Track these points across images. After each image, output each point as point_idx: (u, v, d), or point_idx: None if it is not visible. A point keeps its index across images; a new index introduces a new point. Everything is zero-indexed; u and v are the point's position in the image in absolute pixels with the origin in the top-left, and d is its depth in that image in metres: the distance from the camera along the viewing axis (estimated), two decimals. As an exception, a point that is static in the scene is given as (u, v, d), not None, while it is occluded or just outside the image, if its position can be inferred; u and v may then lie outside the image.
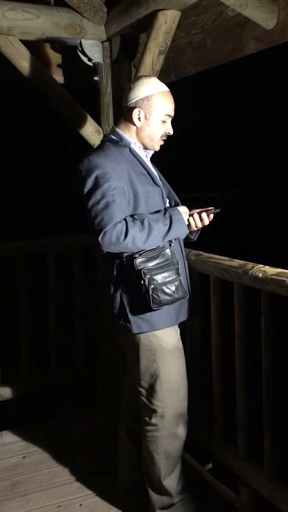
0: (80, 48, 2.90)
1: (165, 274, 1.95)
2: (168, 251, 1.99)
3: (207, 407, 2.54)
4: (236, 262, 2.24)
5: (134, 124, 2.06)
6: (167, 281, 1.95)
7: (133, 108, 2.04)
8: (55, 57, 3.20)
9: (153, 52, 2.55)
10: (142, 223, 1.92)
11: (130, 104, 2.05)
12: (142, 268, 1.91)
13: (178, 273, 2.00)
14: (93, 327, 3.29)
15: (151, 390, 2.07)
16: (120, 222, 1.89)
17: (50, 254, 3.19)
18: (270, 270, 2.03)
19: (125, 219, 1.91)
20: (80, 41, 2.88)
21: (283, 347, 2.14)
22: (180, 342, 2.14)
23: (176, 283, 1.98)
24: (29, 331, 3.16)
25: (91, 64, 2.94)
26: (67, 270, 3.29)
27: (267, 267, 2.08)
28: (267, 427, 2.12)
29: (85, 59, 2.93)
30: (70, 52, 3.02)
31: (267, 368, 2.11)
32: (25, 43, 2.79)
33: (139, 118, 2.05)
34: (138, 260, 1.92)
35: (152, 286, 1.91)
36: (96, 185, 1.92)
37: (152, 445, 2.09)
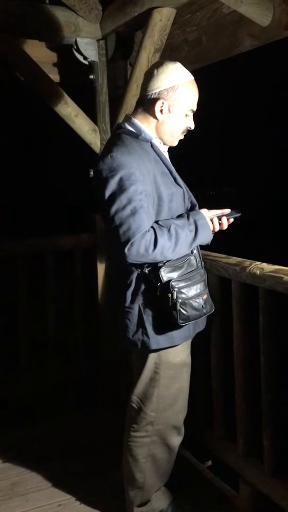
0: (75, 47, 2.89)
1: (194, 286, 1.79)
2: (193, 259, 1.85)
3: (207, 404, 2.54)
4: (234, 260, 2.25)
5: (155, 117, 1.84)
6: (196, 295, 1.80)
7: (156, 99, 1.82)
8: (50, 56, 3.19)
9: (149, 50, 2.55)
10: (169, 230, 1.74)
11: (153, 95, 1.82)
12: (169, 280, 1.75)
13: (206, 285, 1.87)
14: (93, 327, 3.29)
15: (146, 399, 1.99)
16: (148, 231, 1.70)
17: (50, 253, 3.19)
18: (268, 267, 2.03)
19: (152, 227, 1.73)
20: (75, 39, 2.87)
21: (281, 343, 2.15)
22: (189, 357, 2.05)
23: (205, 296, 1.84)
24: (28, 330, 3.16)
25: (87, 63, 2.94)
26: (67, 270, 3.29)
27: (264, 264, 2.08)
28: (267, 423, 2.13)
29: (80, 58, 2.93)
30: (65, 51, 3.02)
31: (266, 364, 2.11)
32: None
33: (161, 111, 1.83)
34: (163, 271, 1.75)
35: (180, 300, 1.75)
36: (121, 188, 1.70)
37: (139, 449, 2.01)
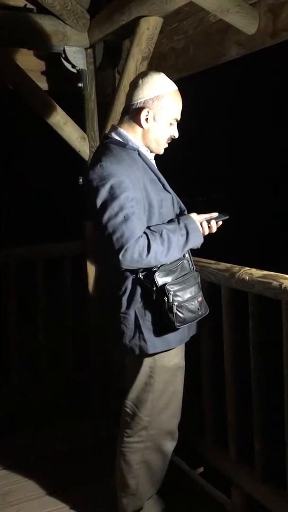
0: (63, 55, 2.91)
1: (189, 289, 1.84)
2: (186, 263, 1.89)
3: (198, 411, 2.54)
4: (223, 265, 2.26)
5: (141, 126, 1.88)
6: (191, 297, 1.84)
7: (142, 108, 1.86)
8: (39, 65, 3.20)
9: (137, 58, 2.57)
10: (161, 235, 1.78)
11: (138, 104, 1.87)
12: (165, 284, 1.79)
13: (200, 288, 1.91)
14: (84, 334, 3.29)
15: (140, 403, 1.99)
16: (141, 236, 1.73)
17: (41, 261, 3.19)
18: (257, 273, 2.05)
19: (145, 233, 1.76)
20: (64, 48, 2.89)
21: (271, 349, 2.16)
22: (183, 361, 2.06)
23: (200, 298, 1.88)
24: (19, 338, 3.15)
25: (75, 71, 2.96)
26: (57, 277, 3.29)
27: (253, 269, 2.09)
28: (257, 429, 2.13)
29: (69, 66, 2.94)
30: (54, 59, 3.03)
31: (256, 370, 2.12)
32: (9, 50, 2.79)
33: (146, 120, 1.87)
34: (157, 275, 1.79)
35: (176, 303, 1.79)
36: (112, 196, 1.73)
37: (133, 455, 2.02)
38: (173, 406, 2.05)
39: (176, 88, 1.93)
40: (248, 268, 2.12)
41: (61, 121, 2.95)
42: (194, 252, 2.04)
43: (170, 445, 2.09)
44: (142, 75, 1.92)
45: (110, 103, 2.79)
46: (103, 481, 2.44)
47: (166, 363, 1.97)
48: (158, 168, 1.98)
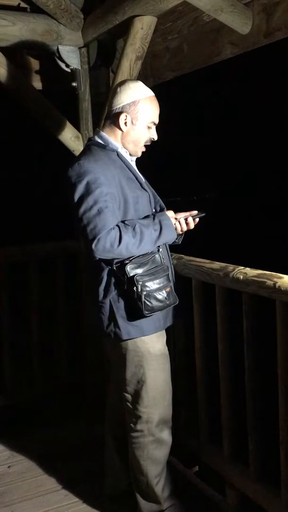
0: (57, 55, 2.90)
1: (157, 280, 1.95)
2: (157, 256, 2.00)
3: (192, 410, 2.54)
4: (217, 265, 2.26)
5: (120, 129, 2.04)
6: (159, 288, 1.95)
7: (120, 113, 2.02)
8: (32, 64, 3.19)
9: (131, 58, 2.57)
10: (134, 228, 1.91)
11: (117, 109, 2.03)
12: (135, 275, 1.91)
13: (169, 279, 2.01)
14: (77, 334, 3.28)
15: (137, 396, 2.06)
16: (113, 228, 1.87)
17: (33, 261, 3.16)
18: (251, 272, 2.05)
19: (117, 225, 1.90)
20: (57, 47, 2.88)
21: (266, 348, 2.16)
22: (166, 348, 2.14)
23: (168, 289, 1.99)
24: (11, 339, 3.13)
25: (69, 70, 2.95)
26: (50, 277, 3.27)
27: (247, 268, 2.10)
28: (251, 428, 2.14)
29: (62, 65, 2.94)
30: (47, 59, 3.02)
31: (250, 369, 2.12)
32: (2, 50, 2.78)
33: (125, 123, 2.02)
34: (129, 267, 1.91)
35: (145, 292, 1.91)
36: (88, 191, 1.89)
37: (139, 451, 2.08)
38: (167, 395, 2.12)
39: (152, 94, 2.06)
40: (242, 267, 2.12)
41: (55, 120, 2.94)
42: (191, 252, 2.07)
43: (167, 434, 2.14)
44: (121, 83, 2.07)
45: (104, 102, 2.79)
46: (97, 481, 2.44)
47: (150, 349, 2.04)
48: (140, 170, 2.11)
